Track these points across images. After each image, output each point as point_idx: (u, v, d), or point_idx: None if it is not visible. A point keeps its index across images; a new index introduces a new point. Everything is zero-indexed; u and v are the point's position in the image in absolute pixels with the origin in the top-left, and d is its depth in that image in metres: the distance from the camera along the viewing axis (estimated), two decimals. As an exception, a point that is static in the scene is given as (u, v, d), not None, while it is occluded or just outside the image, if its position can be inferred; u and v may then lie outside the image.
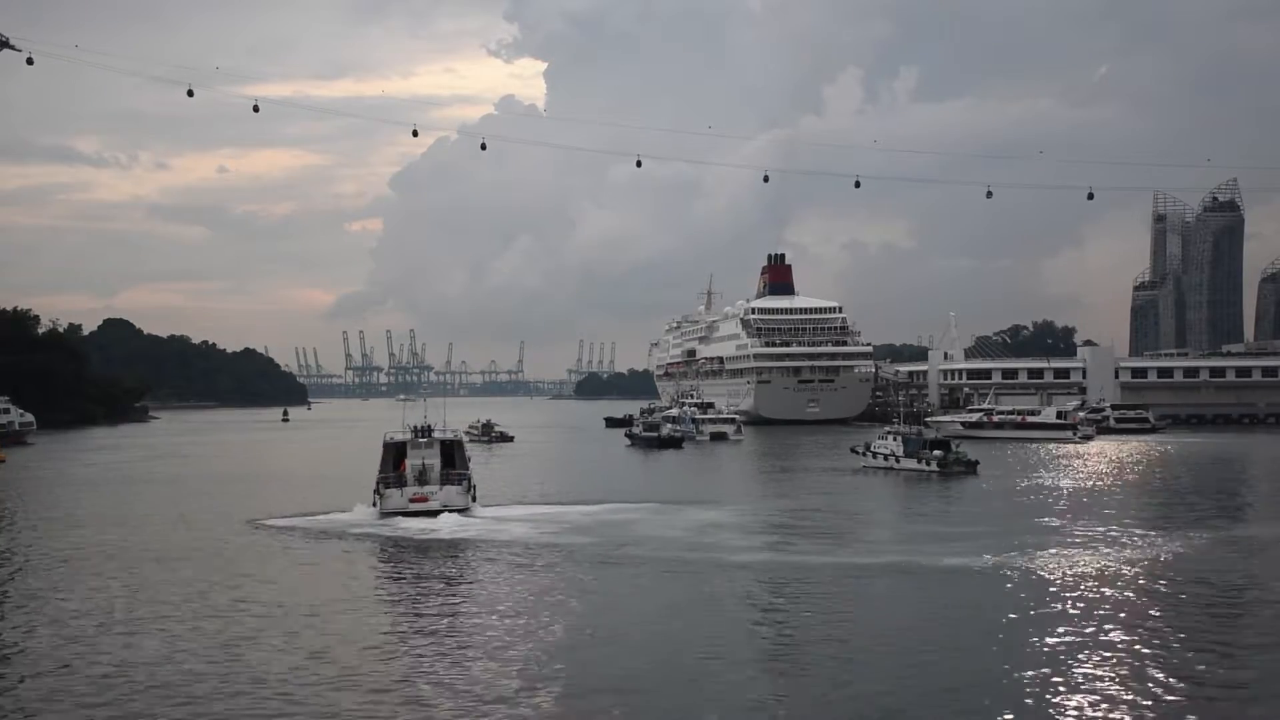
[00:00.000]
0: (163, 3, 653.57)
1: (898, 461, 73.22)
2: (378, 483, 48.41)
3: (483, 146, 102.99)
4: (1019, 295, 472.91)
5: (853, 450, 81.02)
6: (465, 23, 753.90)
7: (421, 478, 48.05)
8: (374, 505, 47.71)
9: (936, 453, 70.81)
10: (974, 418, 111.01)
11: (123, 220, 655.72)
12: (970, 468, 69.85)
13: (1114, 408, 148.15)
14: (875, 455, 76.12)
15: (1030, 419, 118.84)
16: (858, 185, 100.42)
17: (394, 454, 49.87)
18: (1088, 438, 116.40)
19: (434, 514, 45.90)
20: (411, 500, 46.96)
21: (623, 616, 29.24)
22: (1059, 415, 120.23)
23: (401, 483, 47.89)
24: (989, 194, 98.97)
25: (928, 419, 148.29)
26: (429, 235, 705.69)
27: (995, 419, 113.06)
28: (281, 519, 48.07)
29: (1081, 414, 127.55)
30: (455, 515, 46.13)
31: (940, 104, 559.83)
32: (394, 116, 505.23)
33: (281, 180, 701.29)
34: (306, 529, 45.20)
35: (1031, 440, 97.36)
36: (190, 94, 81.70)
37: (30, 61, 78.89)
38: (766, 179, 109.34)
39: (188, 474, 77.64)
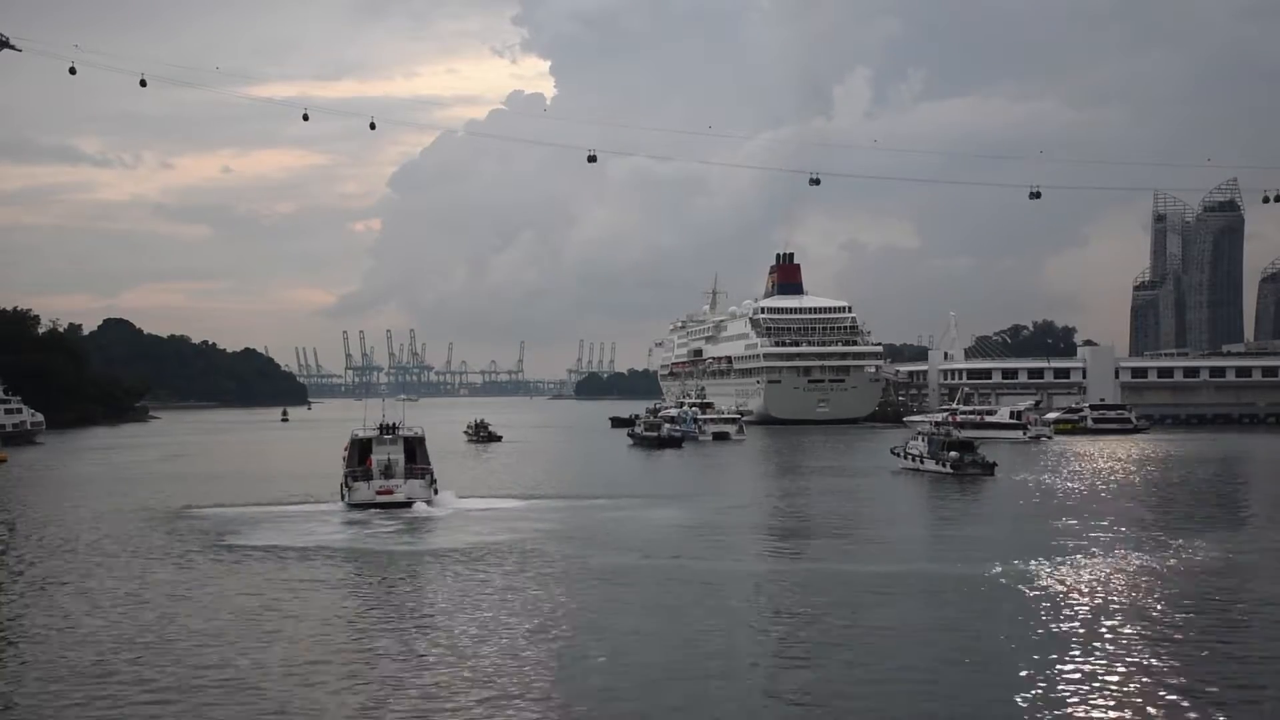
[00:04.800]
0: (163, 3, 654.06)
1: (922, 463, 73.31)
2: (345, 476, 52.00)
3: (371, 125, 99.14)
4: (1019, 295, 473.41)
5: (892, 451, 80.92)
6: (466, 23, 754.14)
7: (386, 472, 51.18)
8: (342, 498, 51.44)
9: (952, 454, 70.66)
10: (940, 418, 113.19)
11: (126, 220, 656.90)
12: (987, 469, 69.47)
13: (1093, 408, 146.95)
14: (908, 456, 76.26)
15: (987, 419, 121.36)
16: (816, 182, 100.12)
17: (360, 450, 53.04)
18: (1037, 437, 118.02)
19: (398, 505, 49.18)
20: (378, 493, 50.41)
21: (572, 618, 28.97)
22: (1012, 415, 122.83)
23: (368, 476, 51.15)
24: (1032, 194, 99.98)
25: (905, 419, 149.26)
26: (429, 234, 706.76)
27: (958, 419, 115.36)
28: (257, 506, 52.72)
29: (1035, 415, 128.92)
30: (421, 505, 49.60)
31: (943, 102, 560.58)
32: (397, 117, 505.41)
33: (284, 180, 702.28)
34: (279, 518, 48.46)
35: (987, 439, 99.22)
36: (143, 84, 79.32)
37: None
38: (818, 181, 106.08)
39: (193, 472, 77.80)
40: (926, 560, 37.80)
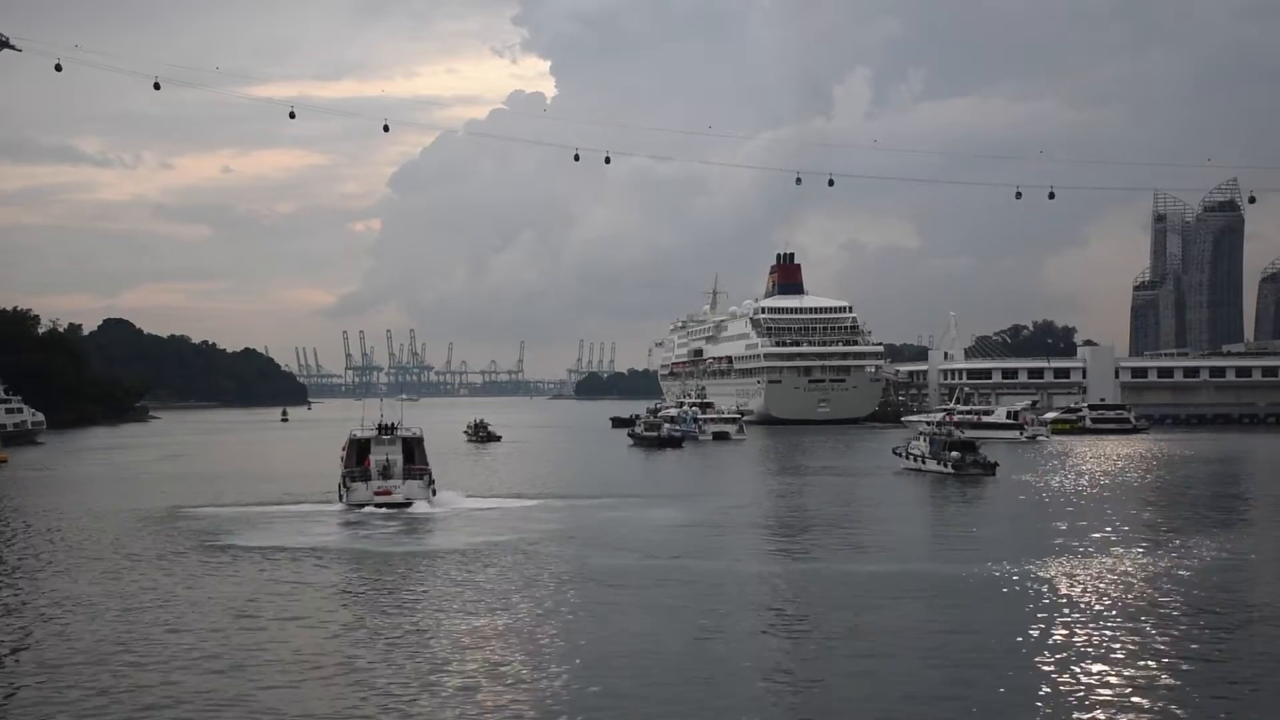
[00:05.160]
0: (163, 3, 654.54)
1: (924, 463, 73.13)
2: (343, 477, 51.99)
3: (385, 128, 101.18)
4: (1019, 295, 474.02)
5: (894, 452, 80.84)
6: (466, 24, 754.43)
7: (385, 472, 51.14)
8: (340, 498, 51.45)
9: (953, 454, 70.45)
10: (937, 418, 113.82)
11: (126, 220, 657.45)
12: (989, 469, 69.19)
13: (1091, 408, 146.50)
14: (910, 457, 76.07)
15: (984, 419, 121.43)
16: (831, 184, 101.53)
17: (359, 450, 52.92)
18: (1034, 438, 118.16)
19: (396, 505, 49.34)
20: (376, 493, 50.37)
21: (560, 618, 28.89)
22: (1009, 415, 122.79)
23: (366, 477, 51.12)
24: (1019, 194, 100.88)
25: (902, 418, 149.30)
26: (429, 234, 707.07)
27: (955, 419, 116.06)
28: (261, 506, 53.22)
29: (1031, 415, 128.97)
30: (420, 505, 49.75)
31: (943, 102, 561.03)
32: (397, 117, 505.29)
33: (284, 180, 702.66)
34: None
35: (984, 439, 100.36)
36: (157, 87, 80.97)
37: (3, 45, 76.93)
38: (799, 180, 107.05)
39: (192, 472, 77.73)
40: (925, 561, 37.71)
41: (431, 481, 52.28)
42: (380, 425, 53.06)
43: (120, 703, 21.49)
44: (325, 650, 25.32)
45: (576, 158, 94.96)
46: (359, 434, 53.22)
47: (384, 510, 48.92)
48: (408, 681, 22.70)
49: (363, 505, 49.76)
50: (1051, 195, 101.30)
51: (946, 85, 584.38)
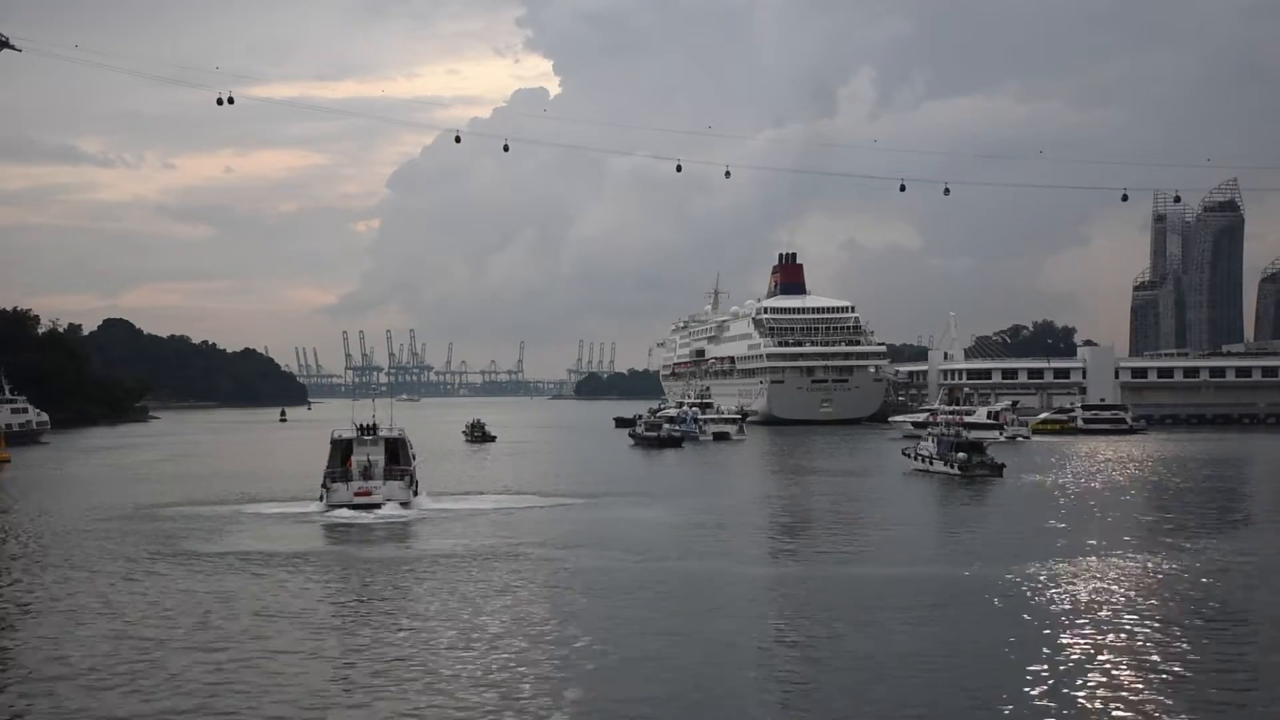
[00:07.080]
0: (163, 3, 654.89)
1: (931, 464, 72.96)
2: (325, 477, 51.45)
3: (457, 139, 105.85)
4: (1019, 295, 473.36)
5: (903, 453, 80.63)
6: (467, 24, 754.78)
7: (366, 473, 50.76)
8: (321, 499, 50.82)
9: (960, 455, 70.27)
10: (921, 418, 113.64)
11: (127, 220, 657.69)
12: (995, 470, 69.10)
13: (1085, 408, 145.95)
14: (918, 458, 75.91)
15: (966, 419, 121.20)
16: (903, 189, 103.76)
17: (341, 450, 52.59)
18: (1014, 438, 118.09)
19: (376, 507, 48.91)
20: (356, 494, 49.98)
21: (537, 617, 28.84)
22: (989, 416, 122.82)
23: (347, 478, 50.70)
24: (946, 191, 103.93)
25: (891, 418, 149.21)
26: (429, 234, 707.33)
27: (939, 419, 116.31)
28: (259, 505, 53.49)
29: (1011, 415, 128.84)
30: (398, 507, 49.41)
31: (946, 102, 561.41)
32: (397, 117, 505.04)
33: (285, 180, 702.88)
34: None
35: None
36: (231, 101, 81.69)
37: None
38: (728, 174, 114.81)
39: (186, 472, 77.73)
40: (926, 563, 37.68)
41: (414, 482, 51.85)
42: (361, 426, 52.61)
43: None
44: (292, 658, 24.90)
45: (505, 148, 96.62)
46: (341, 434, 52.87)
47: (361, 512, 48.38)
48: (384, 687, 22.57)
49: (342, 506, 49.36)
50: (1125, 198, 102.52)
51: (950, 85, 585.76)
